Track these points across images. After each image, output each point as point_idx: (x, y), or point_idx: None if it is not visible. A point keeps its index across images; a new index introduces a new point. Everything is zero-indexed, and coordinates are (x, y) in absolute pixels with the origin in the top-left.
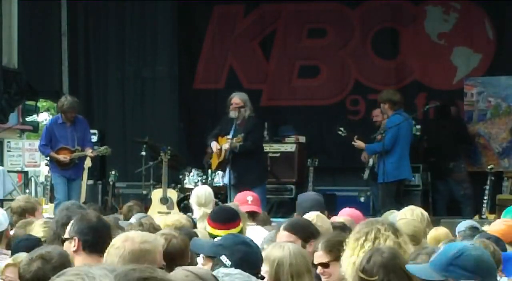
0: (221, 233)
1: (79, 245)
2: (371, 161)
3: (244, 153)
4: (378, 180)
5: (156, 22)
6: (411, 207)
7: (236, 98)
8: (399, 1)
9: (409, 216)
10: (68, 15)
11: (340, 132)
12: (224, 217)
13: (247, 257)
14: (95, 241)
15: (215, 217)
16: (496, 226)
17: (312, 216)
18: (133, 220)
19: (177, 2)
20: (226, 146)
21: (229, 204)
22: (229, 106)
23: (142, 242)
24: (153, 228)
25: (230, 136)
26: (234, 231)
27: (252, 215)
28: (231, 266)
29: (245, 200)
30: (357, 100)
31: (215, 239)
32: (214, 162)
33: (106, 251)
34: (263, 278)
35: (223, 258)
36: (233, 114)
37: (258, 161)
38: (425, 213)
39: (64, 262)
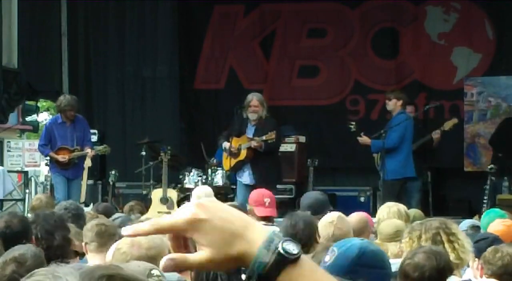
0: None
1: None
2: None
3: (268, 152)
4: (383, 177)
5: (156, 22)
6: (388, 204)
7: (255, 100)
8: (399, 1)
9: (385, 214)
10: (68, 15)
11: (351, 126)
12: None
13: None
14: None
15: None
16: (494, 227)
17: (333, 217)
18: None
19: (177, 2)
20: (254, 143)
21: (231, 203)
22: (247, 107)
23: (149, 248)
24: None
25: (250, 136)
26: None
27: (268, 219)
28: None
29: (262, 202)
30: (357, 100)
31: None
32: (227, 162)
33: (111, 254)
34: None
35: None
36: (251, 116)
37: (277, 161)
38: (402, 209)
39: (39, 264)
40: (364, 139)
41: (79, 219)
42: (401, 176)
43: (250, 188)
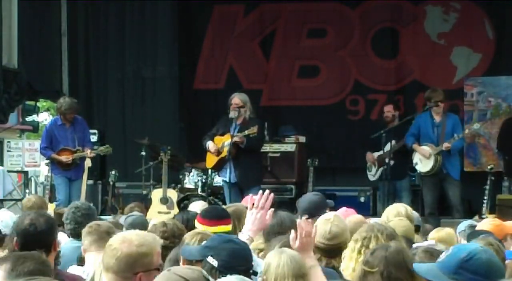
0: (212, 229)
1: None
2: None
3: (249, 149)
4: (456, 177)
5: (156, 22)
6: (395, 205)
7: (236, 99)
8: (399, 1)
9: (392, 216)
10: (68, 15)
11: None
12: (215, 214)
13: (234, 254)
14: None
15: (206, 215)
16: (483, 227)
17: (330, 215)
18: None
19: (177, 2)
20: (236, 138)
21: (235, 204)
22: (230, 106)
23: (139, 245)
24: (177, 228)
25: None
26: (225, 228)
27: None
28: (218, 266)
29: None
30: (357, 100)
31: (203, 243)
32: (210, 159)
33: (104, 250)
34: (255, 273)
35: (210, 259)
36: (233, 114)
37: (259, 161)
38: (403, 210)
39: None
40: (445, 145)
41: (90, 219)
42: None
43: (232, 186)
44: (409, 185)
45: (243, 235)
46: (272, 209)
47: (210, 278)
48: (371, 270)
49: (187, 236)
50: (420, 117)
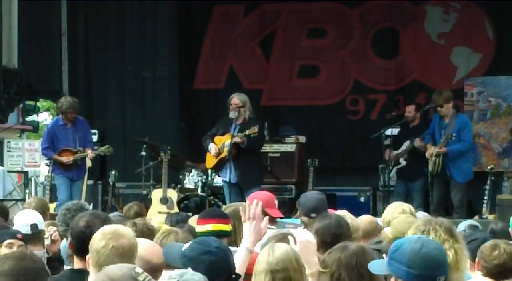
0: (209, 227)
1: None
2: (402, 160)
3: (249, 149)
4: (458, 180)
5: (156, 22)
6: (394, 204)
7: (236, 99)
8: (399, 1)
9: (391, 214)
10: (68, 15)
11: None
12: (209, 213)
13: (212, 266)
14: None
15: (204, 215)
16: None
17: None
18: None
19: (177, 2)
20: (236, 138)
21: (235, 203)
22: (229, 106)
23: (132, 237)
24: (147, 229)
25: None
26: (220, 227)
27: (274, 219)
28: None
29: (273, 203)
30: (357, 100)
31: (183, 247)
32: (211, 159)
33: (96, 251)
34: (238, 277)
35: (190, 271)
36: (232, 114)
37: (259, 161)
38: (407, 208)
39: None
40: (440, 150)
41: None
42: (471, 177)
43: (233, 186)
44: (422, 187)
45: (241, 248)
46: (267, 217)
47: (140, 277)
48: (323, 271)
49: (158, 235)
50: (435, 117)
